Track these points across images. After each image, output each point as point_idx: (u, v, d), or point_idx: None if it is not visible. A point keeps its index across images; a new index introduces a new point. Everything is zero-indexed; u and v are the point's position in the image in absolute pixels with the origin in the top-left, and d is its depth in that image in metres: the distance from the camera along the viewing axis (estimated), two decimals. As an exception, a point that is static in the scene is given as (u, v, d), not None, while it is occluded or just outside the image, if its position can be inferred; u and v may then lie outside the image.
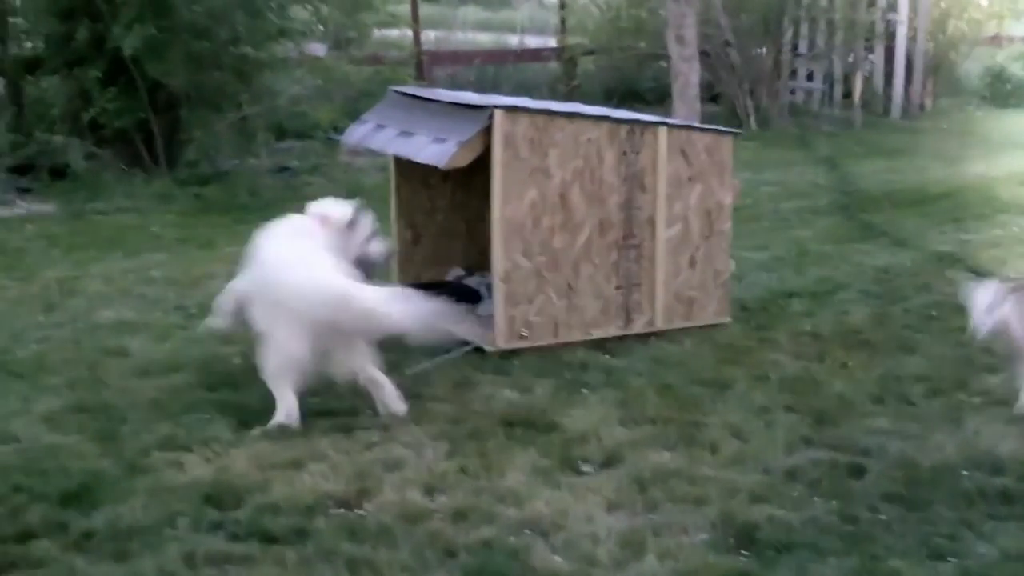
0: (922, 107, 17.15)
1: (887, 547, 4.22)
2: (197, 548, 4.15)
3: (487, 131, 6.16)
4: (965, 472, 4.83)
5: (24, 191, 10.76)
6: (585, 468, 4.91)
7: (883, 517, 4.46)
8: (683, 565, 4.09)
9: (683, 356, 6.37)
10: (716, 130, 7.02)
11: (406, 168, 7.03)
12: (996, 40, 19.66)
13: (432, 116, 6.60)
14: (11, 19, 11.69)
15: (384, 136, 6.79)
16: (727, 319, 6.91)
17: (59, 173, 11.02)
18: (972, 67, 18.86)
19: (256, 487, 4.64)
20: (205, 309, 7.07)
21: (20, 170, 11.06)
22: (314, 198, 10.70)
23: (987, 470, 4.85)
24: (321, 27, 12.74)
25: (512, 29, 21.58)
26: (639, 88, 17.03)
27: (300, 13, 12.38)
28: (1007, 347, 5.48)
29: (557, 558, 4.15)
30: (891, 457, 4.99)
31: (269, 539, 4.25)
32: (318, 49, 13.12)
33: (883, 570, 4.06)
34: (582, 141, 6.42)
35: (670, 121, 7.11)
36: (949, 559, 4.14)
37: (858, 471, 4.86)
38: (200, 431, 5.20)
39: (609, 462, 4.97)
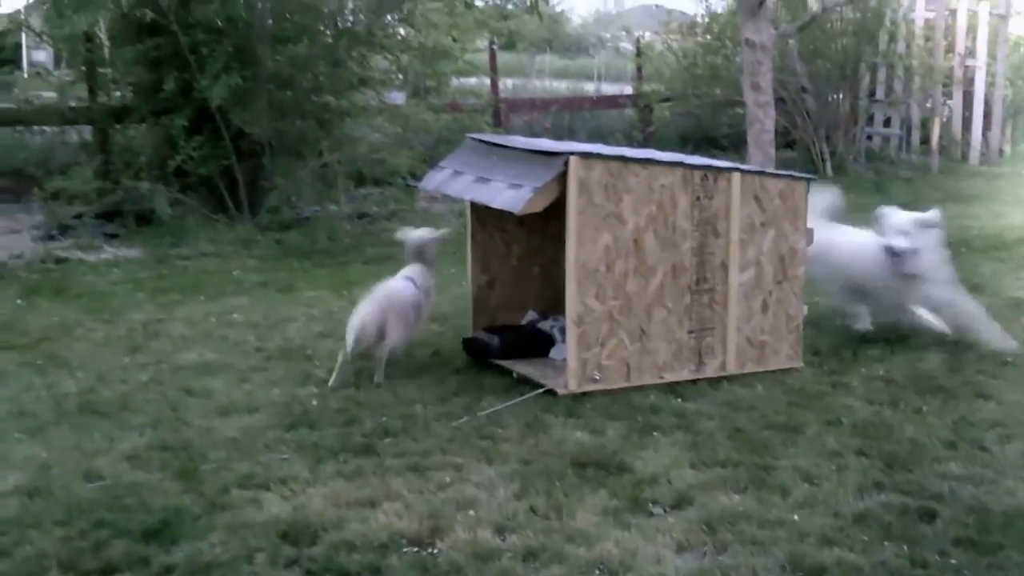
0: (1001, 153, 17.04)
1: (957, 591, 4.22)
2: (274, 583, 4.26)
3: (562, 177, 6.25)
4: (1037, 518, 4.81)
5: (111, 236, 11.08)
6: (655, 510, 4.95)
7: (953, 561, 4.45)
8: (751, 606, 4.12)
9: (754, 400, 6.39)
10: (789, 175, 7.06)
11: (482, 213, 7.15)
12: (1078, 85, 19.50)
13: (508, 162, 6.70)
14: (100, 69, 12.06)
15: (461, 182, 6.90)
16: (799, 364, 6.92)
17: (145, 219, 11.35)
18: (1052, 113, 18.71)
19: (332, 525, 4.74)
20: (284, 351, 7.27)
21: (107, 216, 11.42)
22: (391, 244, 11.03)
23: (1060, 516, 4.83)
24: (400, 76, 12.98)
25: (589, 76, 21.79)
26: (715, 134, 17.15)
27: (380, 62, 12.64)
28: None
29: (626, 597, 4.21)
30: (963, 502, 4.98)
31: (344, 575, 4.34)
32: (398, 97, 13.37)
33: (952, 614, 4.06)
34: (656, 187, 6.50)
35: (743, 167, 7.16)
36: (1019, 603, 4.14)
37: (929, 516, 4.86)
38: (278, 470, 5.32)
39: (679, 504, 5.00)
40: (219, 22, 11.08)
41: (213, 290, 9.06)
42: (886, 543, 4.61)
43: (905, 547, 4.56)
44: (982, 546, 4.57)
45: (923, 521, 4.82)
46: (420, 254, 7.13)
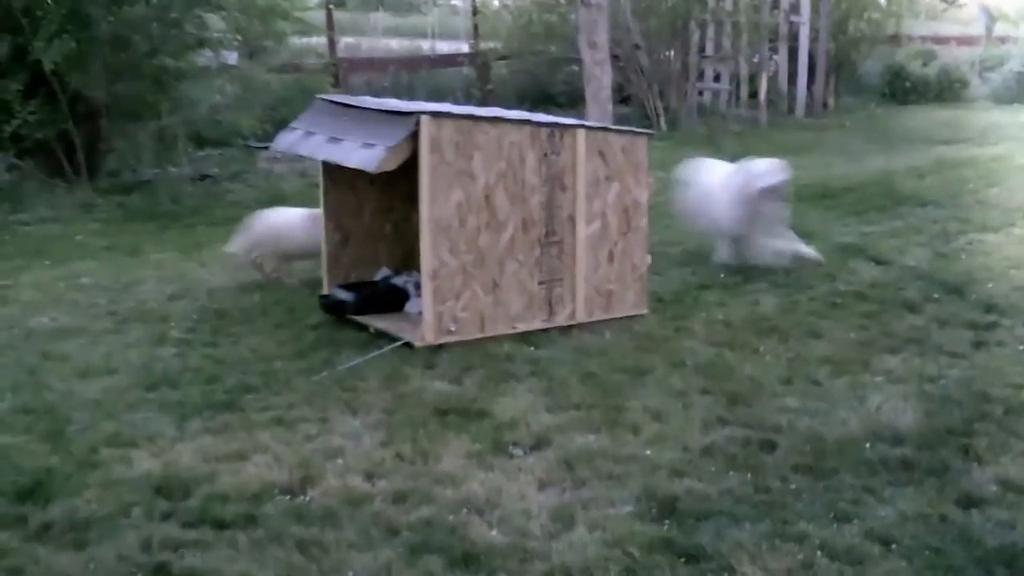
0: (825, 105, 17.71)
1: (797, 513, 4.55)
2: (153, 535, 4.36)
3: (414, 136, 6.41)
4: (868, 444, 5.18)
5: (-54, 204, 10.82)
6: (515, 451, 5.19)
7: (793, 486, 4.79)
8: (611, 535, 4.38)
9: (604, 346, 6.68)
10: (631, 131, 7.34)
11: (334, 173, 7.25)
12: (895, 39, 20.37)
13: (360, 122, 6.83)
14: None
15: (314, 142, 7.00)
16: (644, 310, 7.23)
17: (-20, 186, 11.11)
18: (872, 66, 19.50)
19: (203, 478, 4.86)
20: (138, 313, 7.29)
21: (-58, 183, 11.14)
22: (236, 204, 11.06)
23: (888, 441, 5.21)
24: (239, 37, 12.88)
25: (422, 35, 21.79)
26: (552, 91, 17.40)
27: (217, 23, 12.53)
28: None
29: (494, 532, 4.43)
30: (799, 432, 5.34)
31: (220, 525, 4.47)
32: (229, 56, 13.25)
33: (793, 533, 4.38)
34: (505, 144, 6.70)
35: (588, 123, 7.41)
36: (853, 521, 4.48)
37: (769, 446, 5.20)
38: (144, 428, 5.39)
39: (538, 445, 5.25)
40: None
41: (58, 255, 8.97)
42: (731, 472, 4.93)
43: (749, 475, 4.89)
44: (819, 471, 4.92)
45: (764, 451, 5.16)
46: None
